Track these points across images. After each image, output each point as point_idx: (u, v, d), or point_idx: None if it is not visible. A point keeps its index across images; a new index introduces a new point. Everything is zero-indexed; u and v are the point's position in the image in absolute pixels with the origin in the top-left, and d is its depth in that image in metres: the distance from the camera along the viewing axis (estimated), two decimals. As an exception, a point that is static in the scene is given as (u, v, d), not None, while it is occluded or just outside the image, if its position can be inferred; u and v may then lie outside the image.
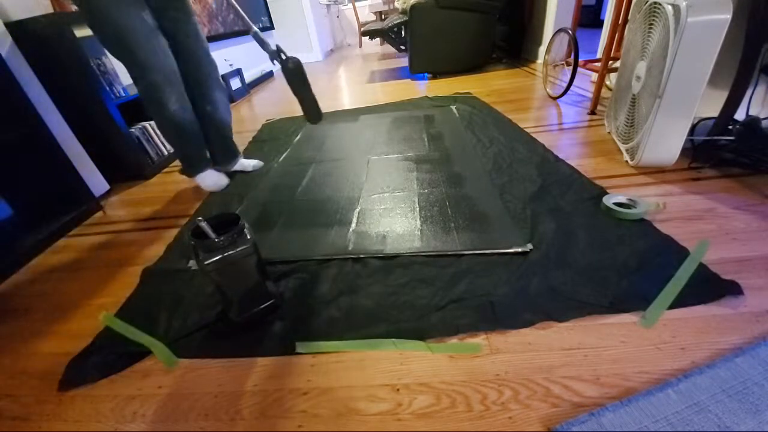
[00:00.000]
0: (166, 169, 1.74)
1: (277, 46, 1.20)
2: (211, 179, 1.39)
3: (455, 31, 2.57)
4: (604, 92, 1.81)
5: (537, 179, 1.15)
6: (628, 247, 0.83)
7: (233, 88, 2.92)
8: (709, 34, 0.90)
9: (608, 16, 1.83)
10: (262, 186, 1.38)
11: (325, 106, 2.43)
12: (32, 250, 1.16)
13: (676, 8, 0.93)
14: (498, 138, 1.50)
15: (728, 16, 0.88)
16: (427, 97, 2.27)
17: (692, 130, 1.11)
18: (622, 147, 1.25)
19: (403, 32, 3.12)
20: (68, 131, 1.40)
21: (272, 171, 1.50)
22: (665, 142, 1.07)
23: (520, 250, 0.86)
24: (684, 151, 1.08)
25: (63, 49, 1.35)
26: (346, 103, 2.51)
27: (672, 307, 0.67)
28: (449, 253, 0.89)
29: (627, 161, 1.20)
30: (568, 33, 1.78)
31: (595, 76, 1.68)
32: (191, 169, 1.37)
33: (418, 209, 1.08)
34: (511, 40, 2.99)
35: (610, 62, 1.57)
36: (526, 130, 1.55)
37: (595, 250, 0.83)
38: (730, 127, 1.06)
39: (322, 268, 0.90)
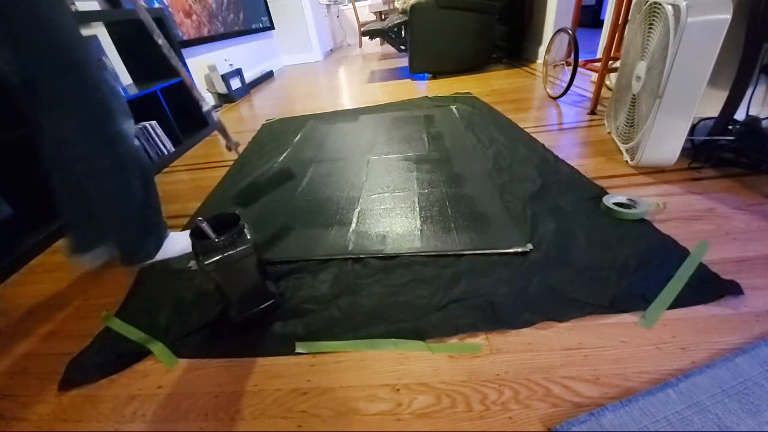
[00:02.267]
0: (165, 169, 1.74)
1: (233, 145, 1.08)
2: (181, 244, 1.01)
3: (455, 31, 2.57)
4: (604, 92, 1.81)
5: (537, 179, 1.15)
6: (628, 247, 0.82)
7: (233, 88, 2.91)
8: (709, 34, 0.90)
9: (608, 16, 1.83)
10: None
11: (325, 105, 2.45)
12: (32, 250, 1.16)
13: (676, 8, 0.93)
14: (498, 138, 1.50)
15: (728, 16, 0.88)
16: (427, 97, 2.27)
17: (692, 130, 1.11)
18: (622, 147, 1.25)
19: (403, 32, 3.12)
20: (68, 131, 1.40)
21: (272, 171, 1.50)
22: (665, 142, 1.07)
23: (520, 250, 0.86)
24: (684, 151, 1.08)
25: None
26: (346, 103, 2.50)
27: (672, 307, 0.67)
28: (449, 253, 0.89)
29: (627, 161, 1.20)
30: (568, 33, 1.78)
31: (595, 76, 1.69)
32: (158, 236, 0.99)
33: (418, 209, 1.08)
34: (511, 40, 2.99)
35: (610, 62, 1.57)
36: (526, 130, 1.55)
37: (595, 250, 0.83)
38: (730, 127, 1.06)
39: (322, 268, 0.90)
